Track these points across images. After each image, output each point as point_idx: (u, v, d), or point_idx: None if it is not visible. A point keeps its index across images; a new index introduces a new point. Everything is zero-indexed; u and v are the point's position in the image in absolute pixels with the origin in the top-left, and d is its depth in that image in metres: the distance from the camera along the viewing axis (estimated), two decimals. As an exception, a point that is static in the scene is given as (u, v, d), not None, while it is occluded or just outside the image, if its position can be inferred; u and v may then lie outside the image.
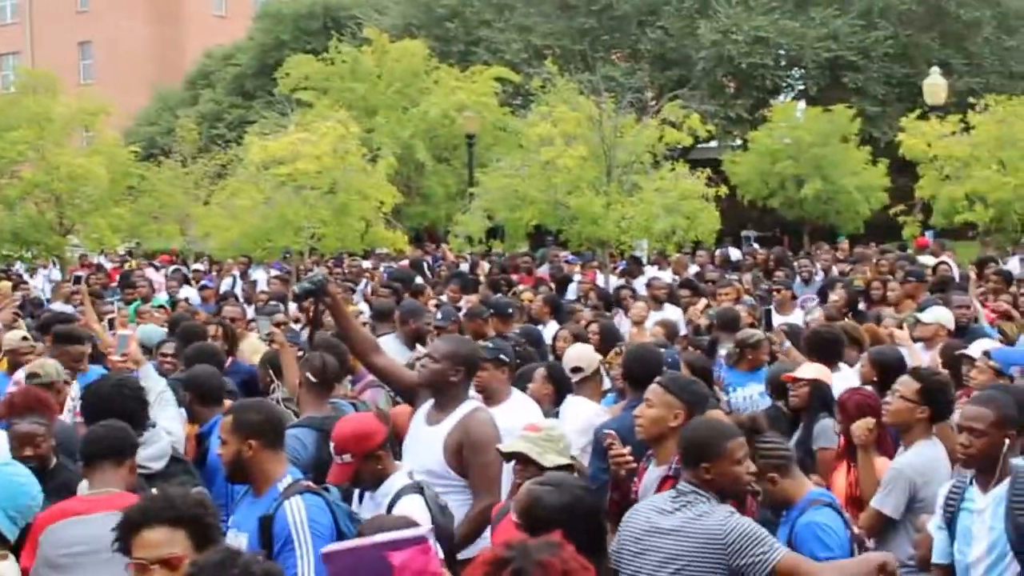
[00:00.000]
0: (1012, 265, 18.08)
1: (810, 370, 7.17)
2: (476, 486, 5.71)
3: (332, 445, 5.17)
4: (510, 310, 10.73)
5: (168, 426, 6.15)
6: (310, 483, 4.89)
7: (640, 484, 5.48)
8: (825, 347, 7.84)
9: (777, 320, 11.17)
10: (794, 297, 12.39)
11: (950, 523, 4.88)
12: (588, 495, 4.33)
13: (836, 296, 11.40)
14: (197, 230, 22.74)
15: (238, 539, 4.77)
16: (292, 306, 12.44)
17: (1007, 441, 4.74)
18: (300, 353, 7.36)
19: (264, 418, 4.94)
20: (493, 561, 3.11)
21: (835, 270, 18.49)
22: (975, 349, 7.27)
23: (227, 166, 25.53)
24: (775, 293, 12.63)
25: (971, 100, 20.70)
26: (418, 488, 5.11)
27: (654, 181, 18.05)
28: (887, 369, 7.09)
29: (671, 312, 12.32)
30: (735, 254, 22.10)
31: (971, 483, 4.87)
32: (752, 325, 10.14)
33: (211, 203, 21.94)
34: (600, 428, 6.15)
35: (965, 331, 9.13)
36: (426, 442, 5.87)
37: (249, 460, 4.79)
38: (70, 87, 31.33)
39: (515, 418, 6.08)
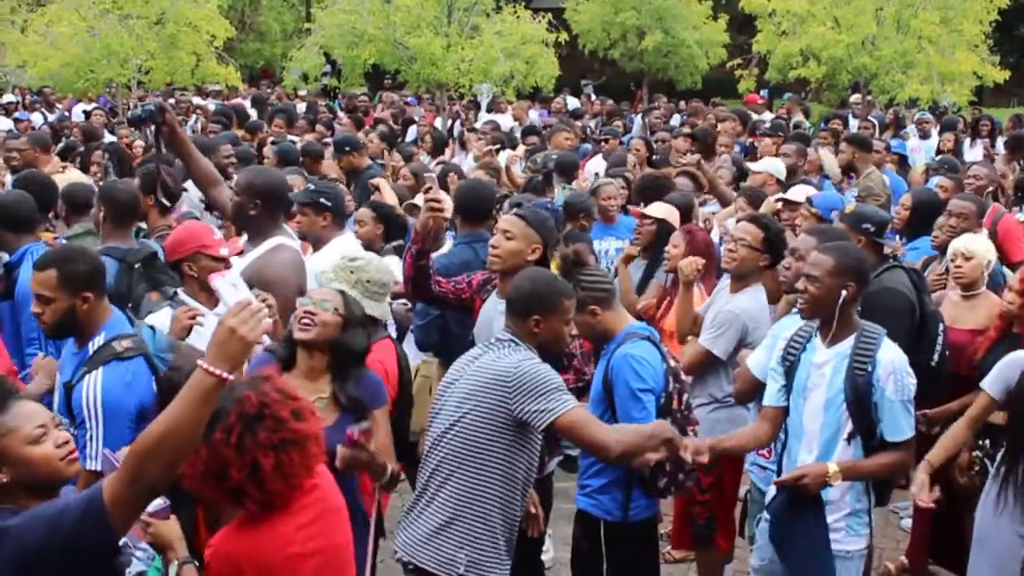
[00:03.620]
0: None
1: (661, 209, 7.25)
2: None
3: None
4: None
5: None
6: (129, 343, 4.45)
7: (479, 313, 5.48)
8: (653, 191, 8.03)
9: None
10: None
11: (788, 372, 4.81)
12: None
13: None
14: (13, 58, 21.44)
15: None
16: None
17: (844, 291, 4.60)
18: None
19: (91, 266, 4.53)
20: None
21: (673, 122, 18.75)
22: (798, 194, 7.42)
23: (48, -7, 24.07)
24: (604, 143, 12.78)
25: (813, -43, 20.79)
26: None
27: (495, 24, 17.79)
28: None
29: (503, 156, 12.25)
30: (574, 102, 22.14)
31: (815, 334, 4.78)
32: None
33: (28, 30, 20.66)
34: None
35: (791, 176, 9.39)
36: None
37: (84, 314, 4.42)
38: None
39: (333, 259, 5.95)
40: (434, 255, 6.03)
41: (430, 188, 5.41)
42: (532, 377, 4.18)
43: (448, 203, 5.36)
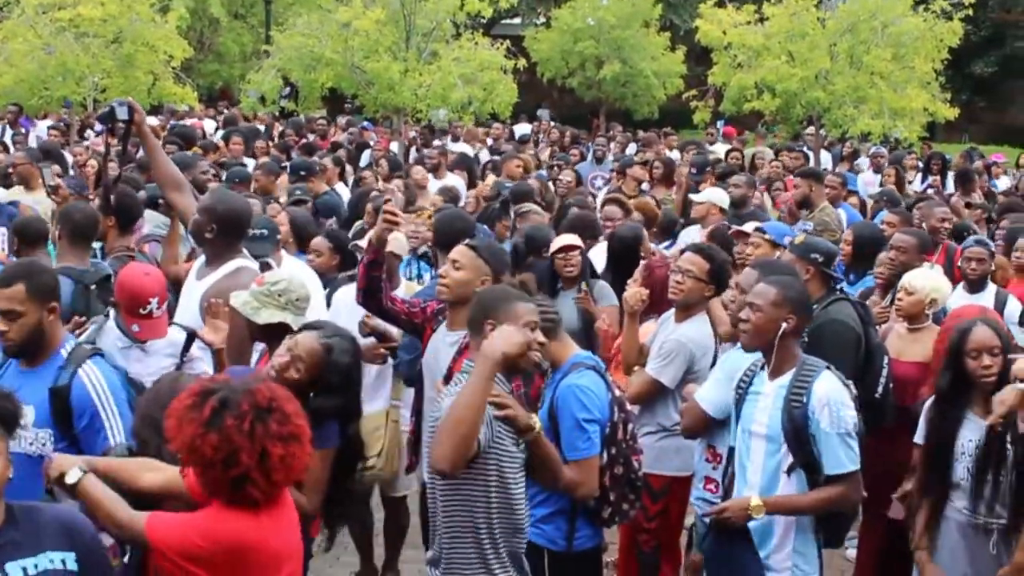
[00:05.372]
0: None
1: (568, 239, 7.25)
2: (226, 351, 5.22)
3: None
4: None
5: None
6: (94, 345, 4.57)
7: (427, 344, 5.46)
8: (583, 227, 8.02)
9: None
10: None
11: (737, 405, 4.89)
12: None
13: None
14: (-34, 74, 21.22)
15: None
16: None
17: (785, 323, 4.67)
18: None
19: (55, 278, 4.56)
20: (198, 392, 3.25)
21: (629, 151, 18.88)
22: (747, 227, 7.49)
23: (3, 9, 23.89)
24: (556, 168, 12.92)
25: (768, -9, 21.00)
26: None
27: (453, 50, 17.84)
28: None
29: (453, 180, 12.35)
30: (521, 130, 22.31)
31: (761, 369, 4.86)
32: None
33: (-19, 47, 20.47)
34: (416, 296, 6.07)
35: (741, 207, 9.48)
36: (191, 297, 5.67)
37: (49, 326, 4.39)
38: None
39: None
40: (406, 291, 6.09)
41: (388, 200, 5.49)
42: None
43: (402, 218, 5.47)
